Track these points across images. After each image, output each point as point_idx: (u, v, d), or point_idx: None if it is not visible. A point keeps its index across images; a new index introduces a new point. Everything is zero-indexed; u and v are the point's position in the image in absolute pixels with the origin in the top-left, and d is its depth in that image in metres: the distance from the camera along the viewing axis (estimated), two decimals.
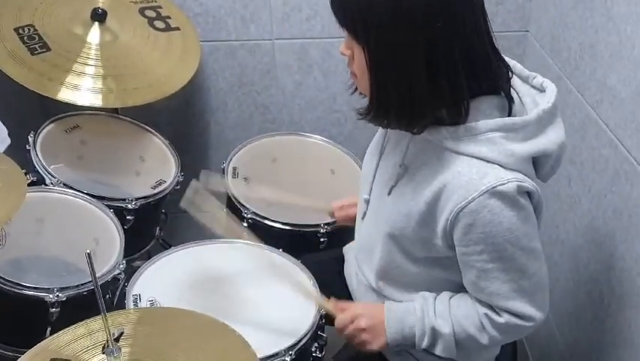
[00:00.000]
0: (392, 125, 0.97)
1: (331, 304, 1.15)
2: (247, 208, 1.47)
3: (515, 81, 1.02)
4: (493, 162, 0.93)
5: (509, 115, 0.98)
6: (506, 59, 1.01)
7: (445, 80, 0.90)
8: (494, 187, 0.91)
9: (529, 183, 0.94)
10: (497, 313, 1.01)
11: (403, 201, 1.02)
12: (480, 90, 0.95)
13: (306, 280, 1.23)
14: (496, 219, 0.92)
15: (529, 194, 0.96)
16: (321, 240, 1.46)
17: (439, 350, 1.06)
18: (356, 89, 1.03)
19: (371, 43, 0.91)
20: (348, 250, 1.30)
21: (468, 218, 0.93)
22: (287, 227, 1.45)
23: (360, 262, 1.20)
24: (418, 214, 0.99)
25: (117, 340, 0.83)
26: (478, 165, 0.93)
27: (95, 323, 0.93)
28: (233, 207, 1.50)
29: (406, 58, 0.89)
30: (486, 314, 1.02)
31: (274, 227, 1.45)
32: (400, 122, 0.96)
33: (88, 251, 0.74)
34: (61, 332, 0.92)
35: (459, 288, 1.07)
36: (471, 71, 0.92)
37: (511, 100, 0.98)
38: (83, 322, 0.93)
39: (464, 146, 0.94)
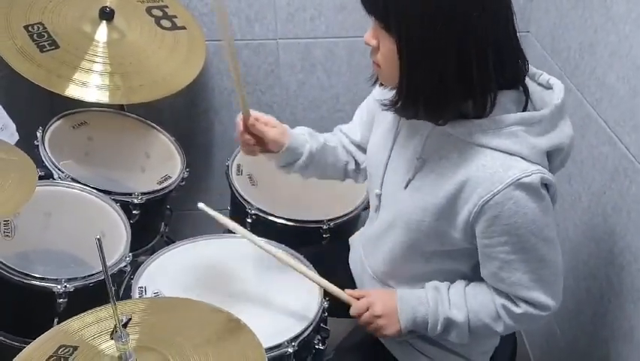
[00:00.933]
0: (419, 115, 0.97)
1: (344, 293, 1.15)
2: (251, 204, 1.49)
3: None
4: (515, 155, 0.95)
5: (524, 109, 1.00)
6: None
7: (476, 72, 0.91)
8: (519, 179, 0.93)
9: (549, 175, 0.97)
10: (515, 304, 1.03)
11: (420, 194, 1.03)
12: (504, 84, 0.96)
13: (310, 284, 1.23)
14: (521, 210, 0.94)
15: (547, 186, 0.98)
16: (324, 236, 1.48)
17: (452, 337, 1.08)
18: (377, 80, 1.03)
19: (403, 33, 0.91)
20: (354, 240, 1.31)
21: (493, 210, 0.95)
22: (290, 223, 1.47)
23: (367, 253, 1.21)
24: (436, 207, 1.00)
25: (125, 326, 0.84)
26: (502, 158, 0.95)
27: (103, 312, 0.95)
28: (238, 204, 1.52)
29: (437, 49, 0.90)
30: (503, 305, 1.04)
31: (278, 223, 1.47)
32: (427, 113, 0.96)
33: (98, 236, 0.76)
34: (70, 319, 0.94)
35: (464, 277, 1.09)
36: (499, 64, 0.93)
37: (527, 94, 1.00)
38: (92, 310, 0.95)
39: (487, 139, 0.96)
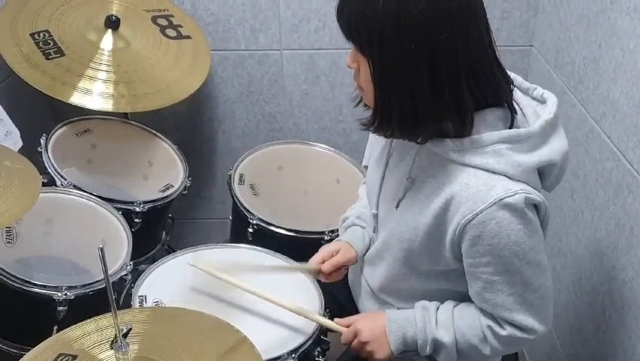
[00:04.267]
0: (395, 135, 0.98)
1: (333, 323, 1.15)
2: (253, 214, 1.49)
3: (516, 94, 1.03)
4: (500, 174, 0.94)
5: (511, 127, 0.99)
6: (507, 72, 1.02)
7: (449, 92, 0.91)
8: (502, 199, 0.92)
9: (535, 195, 0.95)
10: (500, 326, 1.02)
11: (410, 214, 1.03)
12: (485, 102, 0.96)
13: (310, 295, 1.24)
14: (504, 231, 0.93)
15: (536, 207, 0.96)
16: None
17: (441, 358, 1.08)
18: (360, 101, 1.04)
19: (375, 55, 0.92)
20: None
21: (475, 230, 0.94)
22: (291, 233, 1.47)
23: (365, 271, 1.21)
24: (426, 227, 1.00)
25: (125, 336, 0.84)
26: (485, 177, 0.94)
27: (103, 320, 0.95)
28: (239, 214, 1.52)
29: (409, 69, 0.90)
30: (489, 326, 1.03)
31: (279, 233, 1.47)
32: (402, 133, 0.96)
33: (100, 245, 0.75)
34: (70, 327, 0.94)
35: (462, 297, 1.08)
36: (475, 84, 0.93)
37: (514, 112, 1.00)
38: (92, 318, 0.95)
39: (471, 158, 0.95)
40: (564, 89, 1.51)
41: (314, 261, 1.19)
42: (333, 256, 1.18)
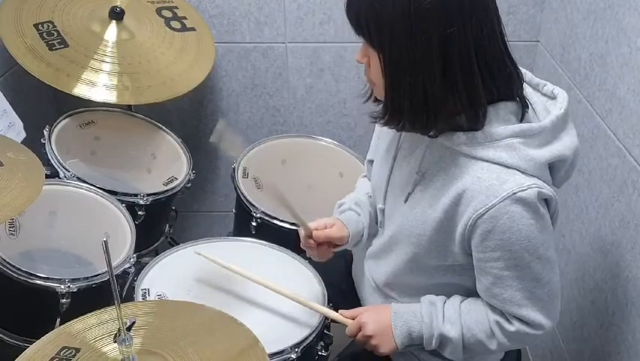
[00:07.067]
0: (406, 128, 0.97)
1: (338, 314, 1.15)
2: (256, 208, 1.48)
3: (526, 89, 1.03)
4: (512, 168, 0.94)
5: (522, 121, 0.99)
6: None
7: (461, 84, 0.91)
8: (515, 193, 0.92)
9: (547, 190, 0.95)
10: (508, 322, 1.02)
11: (420, 208, 1.02)
12: (497, 95, 0.95)
13: (313, 289, 1.24)
14: (515, 226, 0.93)
15: (547, 201, 0.96)
16: None
17: (447, 353, 1.08)
18: (369, 96, 1.03)
19: (386, 48, 0.91)
20: (357, 250, 1.31)
21: (487, 224, 0.94)
22: (295, 227, 1.46)
23: (370, 265, 1.21)
24: (435, 221, 1.00)
25: (129, 329, 0.84)
26: (498, 171, 0.94)
27: (106, 314, 0.95)
28: (243, 207, 1.52)
29: (420, 62, 0.90)
30: (497, 322, 1.03)
31: (283, 227, 1.46)
32: (413, 126, 0.96)
33: (104, 239, 0.75)
34: (72, 321, 0.94)
35: (468, 292, 1.08)
36: (488, 76, 0.92)
37: (525, 106, 0.99)
38: (95, 312, 0.95)
39: (483, 151, 0.95)
40: (570, 84, 1.50)
41: (313, 225, 1.17)
42: (327, 228, 1.17)
